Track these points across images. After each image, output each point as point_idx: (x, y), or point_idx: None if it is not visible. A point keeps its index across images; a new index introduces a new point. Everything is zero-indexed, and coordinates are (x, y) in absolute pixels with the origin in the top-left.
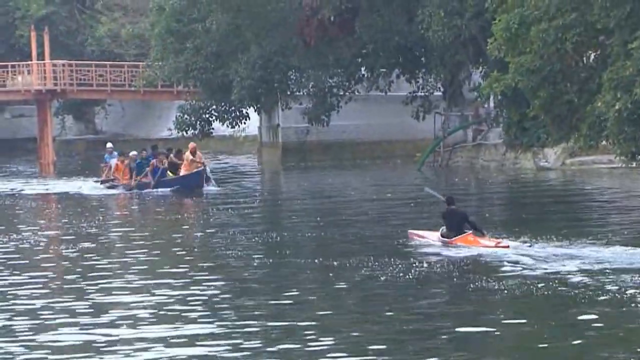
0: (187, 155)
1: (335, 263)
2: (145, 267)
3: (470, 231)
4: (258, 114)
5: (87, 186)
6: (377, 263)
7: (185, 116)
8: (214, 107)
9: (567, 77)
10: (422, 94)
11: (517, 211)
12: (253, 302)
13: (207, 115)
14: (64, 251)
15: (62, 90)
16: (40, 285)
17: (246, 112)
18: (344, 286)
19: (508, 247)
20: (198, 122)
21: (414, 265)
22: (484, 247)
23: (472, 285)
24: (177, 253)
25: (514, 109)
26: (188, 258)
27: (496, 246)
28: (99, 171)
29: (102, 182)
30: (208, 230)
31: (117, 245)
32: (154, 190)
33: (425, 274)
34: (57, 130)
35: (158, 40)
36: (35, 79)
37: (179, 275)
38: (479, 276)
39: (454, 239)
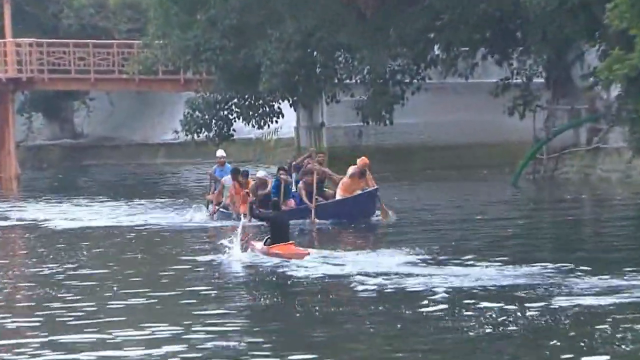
0: (352, 172)
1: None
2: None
3: (292, 241)
4: (294, 110)
5: (199, 217)
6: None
7: (197, 113)
8: (235, 100)
9: None
10: (518, 80)
11: None
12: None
13: (225, 112)
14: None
15: (28, 78)
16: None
17: (278, 108)
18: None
19: (309, 254)
20: (214, 122)
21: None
22: (298, 254)
23: None
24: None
25: None
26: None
27: (302, 253)
28: (206, 191)
29: (209, 205)
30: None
31: None
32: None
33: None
34: (22, 134)
35: (158, 10)
36: None
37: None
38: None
39: (274, 246)
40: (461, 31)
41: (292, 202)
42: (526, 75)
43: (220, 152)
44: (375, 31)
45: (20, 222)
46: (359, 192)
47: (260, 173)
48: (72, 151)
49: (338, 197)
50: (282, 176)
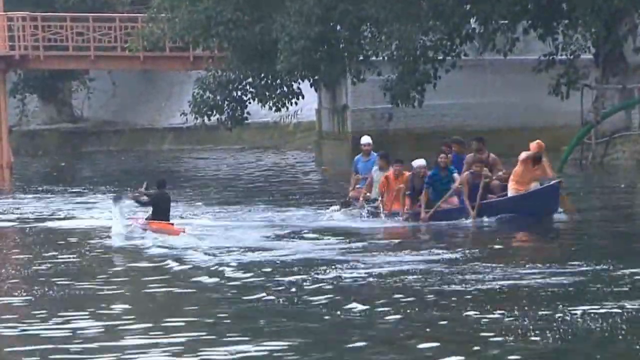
0: (524, 158)
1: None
2: None
3: (172, 222)
4: (316, 91)
5: (340, 215)
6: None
7: (207, 94)
8: (250, 80)
9: None
10: (563, 56)
11: None
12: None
13: (239, 93)
14: None
15: (21, 56)
16: None
17: (298, 88)
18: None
19: (184, 231)
20: (226, 103)
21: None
22: (173, 232)
23: None
24: None
25: None
26: None
27: (178, 231)
28: (350, 184)
29: (343, 204)
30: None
31: None
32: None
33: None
34: (15, 117)
35: None
36: None
37: None
38: None
39: (155, 222)
40: (500, 2)
41: (455, 200)
42: (572, 51)
43: (365, 139)
44: (405, 2)
45: (10, 217)
46: (536, 184)
47: (419, 163)
48: (71, 137)
49: (511, 191)
50: (443, 158)
